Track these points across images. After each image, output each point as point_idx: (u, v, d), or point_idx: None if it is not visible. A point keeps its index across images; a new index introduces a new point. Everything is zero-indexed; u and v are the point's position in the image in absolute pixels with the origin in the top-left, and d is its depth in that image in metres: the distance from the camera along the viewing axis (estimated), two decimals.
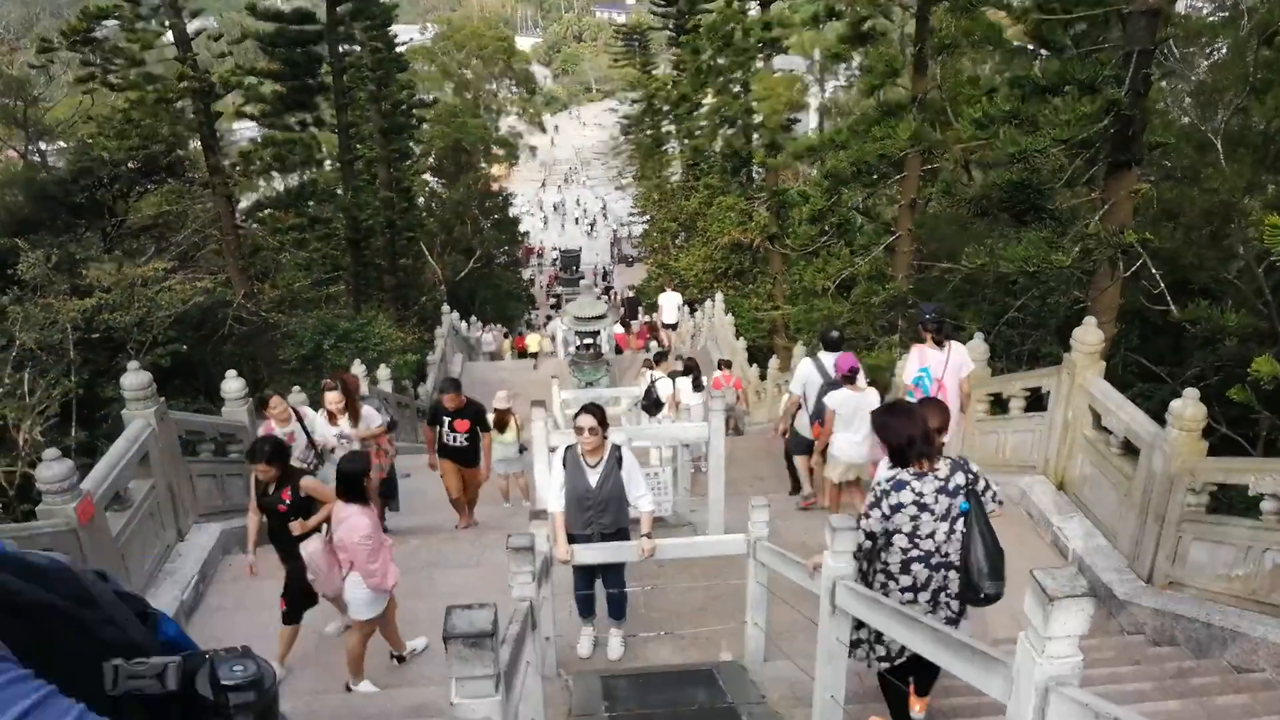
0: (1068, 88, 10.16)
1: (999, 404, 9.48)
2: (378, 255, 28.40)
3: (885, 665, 4.41)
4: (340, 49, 24.91)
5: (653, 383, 11.44)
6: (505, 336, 33.80)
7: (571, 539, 5.90)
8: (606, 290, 46.81)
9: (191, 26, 20.41)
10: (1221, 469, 6.14)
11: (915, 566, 4.28)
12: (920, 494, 4.20)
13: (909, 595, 4.31)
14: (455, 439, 8.97)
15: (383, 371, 16.78)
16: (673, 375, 12.07)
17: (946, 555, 4.27)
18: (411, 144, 32.24)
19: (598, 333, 20.51)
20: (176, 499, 7.99)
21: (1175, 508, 6.21)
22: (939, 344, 7.73)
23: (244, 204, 24.51)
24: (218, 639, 6.68)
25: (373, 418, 8.43)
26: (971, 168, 17.26)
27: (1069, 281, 12.81)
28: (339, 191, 25.96)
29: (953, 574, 4.27)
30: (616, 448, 5.96)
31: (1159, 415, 6.56)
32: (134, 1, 19.04)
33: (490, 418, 11.35)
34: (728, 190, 29.72)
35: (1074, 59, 10.68)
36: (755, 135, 28.48)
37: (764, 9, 26.17)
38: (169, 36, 20.14)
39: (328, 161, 28.06)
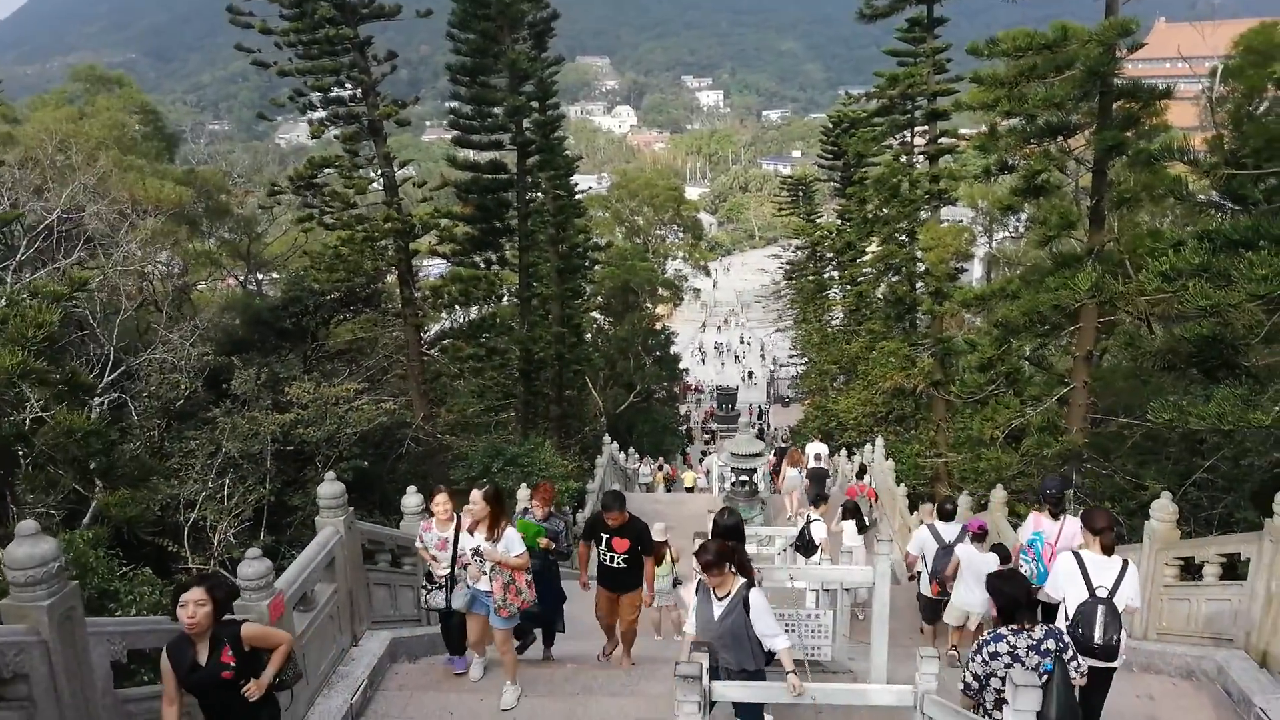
0: (1262, 242, 9.80)
1: (1189, 570, 8.84)
2: (546, 386, 29.58)
3: None
4: (526, 195, 26.86)
5: (809, 523, 11.30)
6: (660, 469, 34.11)
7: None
8: (761, 432, 46.65)
9: (398, 174, 22.65)
10: None
11: (1006, 709, 5.06)
12: (1014, 647, 5.17)
13: None
14: (613, 559, 8.16)
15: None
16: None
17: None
18: (584, 283, 33.85)
19: (754, 470, 20.51)
20: (355, 604, 8.43)
21: None
22: (1054, 516, 8.37)
23: (429, 333, 26.25)
24: None
25: (514, 544, 7.28)
26: (1153, 321, 16.61)
27: (1268, 442, 11.96)
28: (515, 325, 27.44)
29: None
30: (746, 585, 6.00)
31: None
32: (353, 153, 21.33)
33: None
34: (891, 335, 29.52)
35: (1267, 214, 10.33)
36: (920, 283, 28.38)
37: (932, 163, 26.50)
38: (379, 184, 22.37)
39: (506, 297, 29.85)
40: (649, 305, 52.27)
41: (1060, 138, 13.98)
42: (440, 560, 7.84)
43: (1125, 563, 6.42)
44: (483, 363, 24.52)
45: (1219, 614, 8.24)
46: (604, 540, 8.14)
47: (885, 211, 28.79)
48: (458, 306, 25.48)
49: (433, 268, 31.74)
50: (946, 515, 10.09)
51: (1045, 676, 5.03)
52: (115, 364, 15.37)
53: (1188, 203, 13.74)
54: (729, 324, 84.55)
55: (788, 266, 50.83)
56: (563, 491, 19.99)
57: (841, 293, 40.10)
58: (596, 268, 37.96)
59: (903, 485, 19.83)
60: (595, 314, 44.30)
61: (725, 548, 6.02)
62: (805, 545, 11.17)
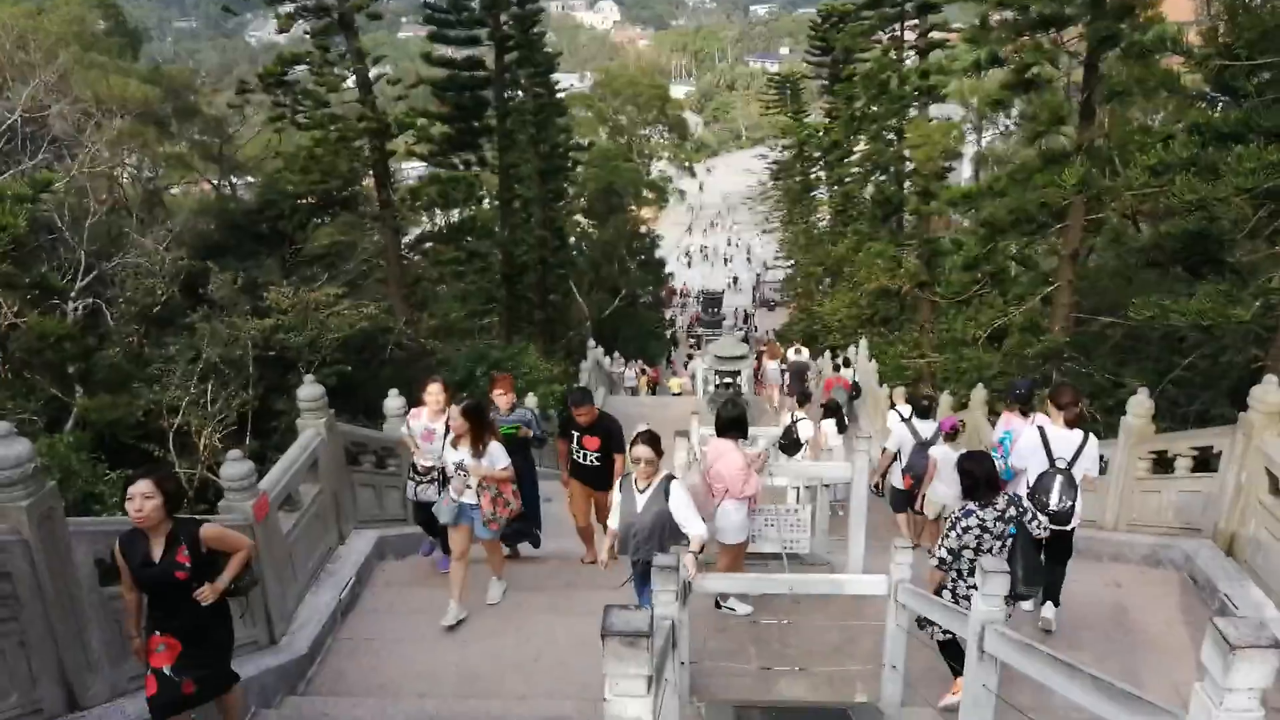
0: (1252, 135, 9.66)
1: (1162, 463, 8.99)
2: (529, 290, 29.43)
3: (946, 637, 5.70)
4: (505, 94, 26.19)
5: (794, 423, 11.38)
6: (642, 373, 34.24)
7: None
8: (746, 336, 46.83)
9: (372, 72, 21.98)
10: None
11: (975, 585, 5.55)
12: (983, 520, 5.69)
13: (971, 591, 5.45)
14: (585, 457, 8.07)
15: (530, 400, 17.31)
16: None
17: None
18: (566, 185, 33.37)
19: (738, 372, 20.61)
20: (340, 505, 8.49)
21: None
22: (1024, 415, 8.34)
23: (408, 237, 25.89)
24: (369, 639, 7.10)
25: (499, 458, 6.94)
26: (1140, 220, 16.51)
27: (1247, 339, 12.03)
28: (497, 228, 27.10)
29: None
30: (668, 478, 6.07)
31: None
32: (324, 48, 20.63)
33: (633, 452, 11.62)
34: (877, 237, 29.35)
35: (1259, 106, 10.15)
36: (908, 182, 28.08)
37: (922, 57, 25.90)
38: (352, 81, 21.70)
39: (487, 200, 29.38)
40: (633, 208, 51.69)
41: (1053, 30, 13.63)
42: (424, 450, 7.72)
43: (1086, 435, 6.88)
44: (464, 266, 24.30)
45: (1188, 505, 8.40)
46: (575, 438, 8.02)
47: (873, 109, 28.31)
48: (437, 209, 25.11)
49: (412, 170, 31.14)
50: (923, 412, 10.16)
51: (1011, 540, 5.74)
52: (88, 269, 15.11)
53: (1179, 96, 13.49)
54: (715, 227, 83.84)
55: (774, 167, 50.20)
56: (547, 395, 20.06)
57: (828, 193, 39.71)
58: (579, 169, 37.37)
59: (885, 386, 19.99)
60: (578, 217, 43.81)
61: (656, 438, 6.10)
62: (791, 444, 11.25)
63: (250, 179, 29.11)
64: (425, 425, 7.77)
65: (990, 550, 5.62)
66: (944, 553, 5.81)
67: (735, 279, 66.49)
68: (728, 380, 20.65)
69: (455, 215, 27.37)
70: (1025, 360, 14.54)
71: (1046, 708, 5.09)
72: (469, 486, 6.90)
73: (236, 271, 17.79)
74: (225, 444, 13.73)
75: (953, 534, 5.76)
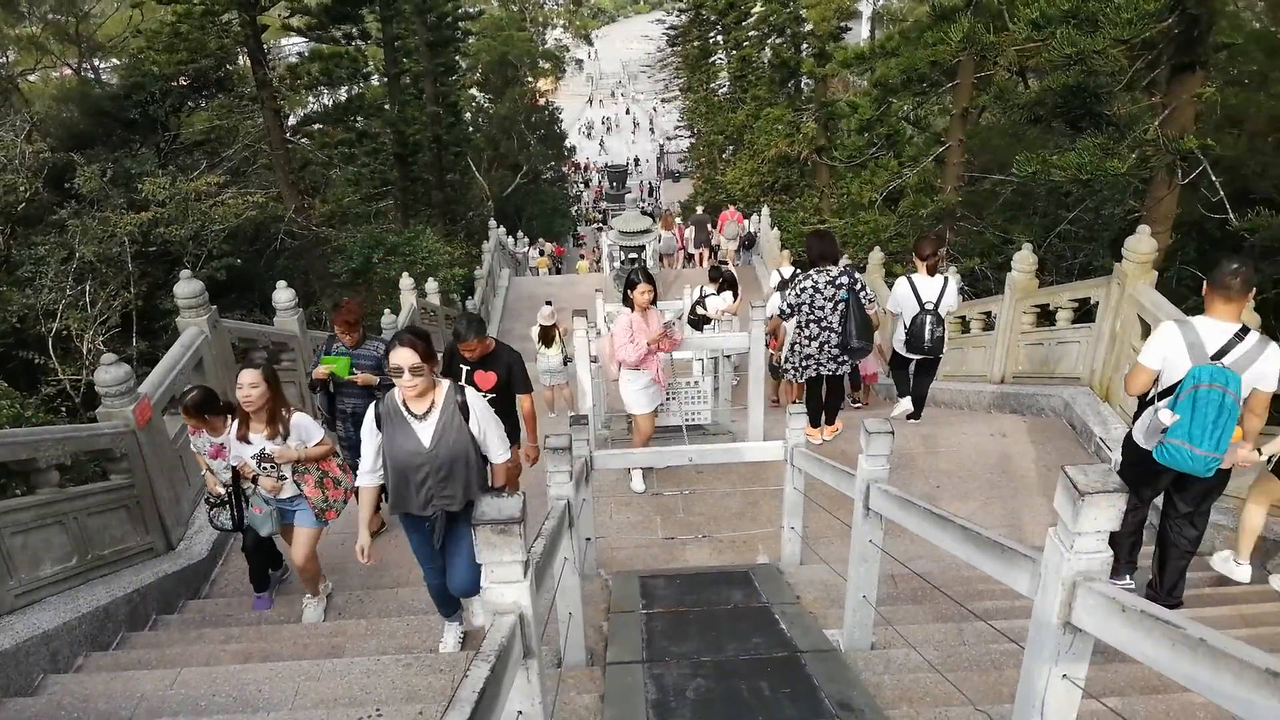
0: None
1: (1046, 316, 9.36)
2: (425, 170, 28.43)
3: (797, 378, 7.73)
4: None
5: (702, 297, 11.41)
6: (541, 254, 33.77)
7: (402, 522, 4.70)
8: (651, 211, 46.44)
9: None
10: None
11: (812, 328, 7.48)
12: (816, 283, 7.26)
13: (810, 345, 7.54)
14: None
15: (431, 285, 16.98)
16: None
17: (831, 324, 7.42)
18: (458, 58, 31.94)
19: (643, 247, 20.50)
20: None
21: None
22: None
23: (292, 119, 24.56)
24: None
25: (309, 429, 5.34)
26: (1027, 76, 16.67)
27: (1124, 191, 12.46)
28: (386, 106, 25.89)
29: (834, 336, 7.44)
30: (458, 389, 4.41)
31: None
32: None
33: (534, 331, 11.58)
34: (776, 102, 29.07)
35: None
36: (804, 45, 27.69)
37: None
38: None
39: (375, 76, 27.93)
40: (530, 80, 49.95)
41: None
42: (218, 472, 5.68)
43: (945, 279, 8.28)
44: (354, 148, 23.22)
45: (1068, 355, 8.81)
46: (463, 375, 5.95)
47: None
48: (321, 88, 23.79)
49: (293, 46, 29.28)
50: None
51: (843, 305, 7.26)
52: None
53: None
54: (616, 97, 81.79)
55: (672, 33, 48.75)
56: (449, 279, 19.69)
57: (726, 59, 38.90)
58: (470, 40, 35.72)
59: (787, 251, 20.17)
60: (473, 91, 42.17)
61: (428, 346, 4.20)
62: (699, 319, 11.29)
63: (114, 61, 27.04)
64: (209, 441, 5.65)
65: (823, 308, 7.28)
66: (785, 306, 7.46)
67: (636, 160, 64.74)
68: (633, 256, 20.51)
69: (341, 94, 26.02)
70: (920, 220, 14.81)
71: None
72: (284, 478, 5.33)
73: (106, 163, 16.70)
74: (110, 347, 13.16)
75: (791, 293, 7.44)
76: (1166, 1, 9.06)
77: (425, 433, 4.26)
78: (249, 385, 5.06)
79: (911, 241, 14.77)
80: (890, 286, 11.16)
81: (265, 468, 5.28)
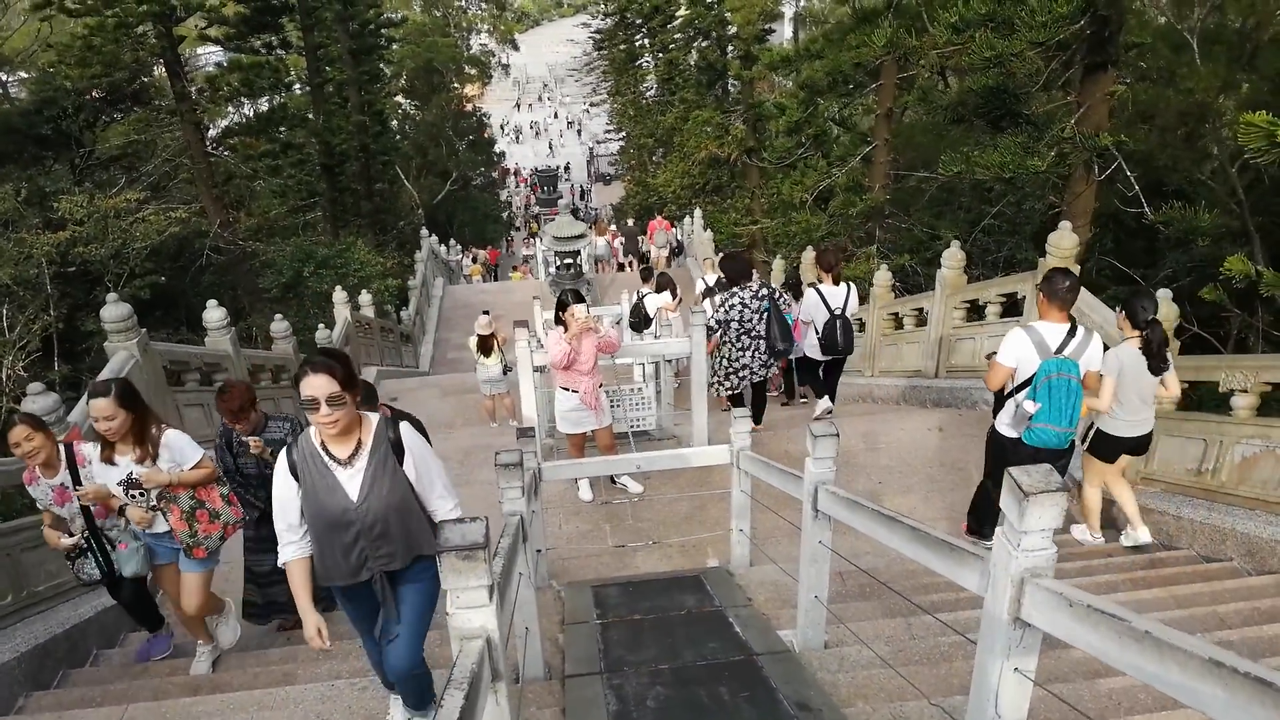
0: None
1: (976, 311, 9.60)
2: (353, 180, 27.98)
3: (730, 391, 8.38)
4: None
5: (641, 299, 11.43)
6: (474, 261, 33.53)
7: (329, 595, 3.83)
8: (576, 212, 46.31)
9: None
10: (1192, 366, 6.27)
11: (744, 339, 8.16)
12: (744, 299, 8.03)
13: (745, 355, 8.20)
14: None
15: (365, 297, 16.74)
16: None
17: (759, 332, 8.11)
18: (382, 65, 31.49)
19: (577, 252, 20.49)
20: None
21: None
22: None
23: (214, 131, 23.97)
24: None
25: (185, 449, 4.54)
26: (949, 75, 17.09)
27: (1045, 187, 12.86)
28: (310, 116, 25.43)
29: (762, 343, 8.13)
30: (390, 423, 3.48)
31: None
32: None
33: (473, 341, 11.52)
34: (704, 104, 29.30)
35: None
36: (730, 47, 27.96)
37: None
38: None
39: (298, 86, 27.40)
40: (456, 86, 49.51)
41: None
42: (69, 519, 4.82)
43: (849, 286, 8.78)
44: (279, 160, 22.78)
45: (998, 347, 9.04)
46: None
47: None
48: (242, 99, 23.26)
49: (211, 56, 28.57)
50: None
51: (766, 314, 8.02)
52: None
53: None
54: (543, 101, 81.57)
55: (597, 36, 48.81)
56: (383, 291, 19.43)
57: (653, 62, 39.08)
58: (394, 46, 35.20)
59: (709, 260, 20.38)
60: (399, 99, 41.65)
61: (348, 370, 3.23)
62: (640, 321, 11.29)
63: (24, 75, 26.05)
64: (48, 486, 4.72)
65: (751, 320, 8.02)
66: (713, 322, 8.17)
67: (567, 165, 64.34)
68: (568, 261, 20.49)
69: (264, 105, 25.45)
70: (849, 219, 15.07)
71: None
72: (154, 508, 4.56)
73: (20, 182, 16.13)
74: (31, 372, 12.73)
75: (722, 309, 8.14)
76: (1079, 4, 9.38)
77: (352, 482, 3.33)
78: (104, 418, 4.25)
79: (842, 240, 15.07)
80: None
81: (134, 495, 4.48)
